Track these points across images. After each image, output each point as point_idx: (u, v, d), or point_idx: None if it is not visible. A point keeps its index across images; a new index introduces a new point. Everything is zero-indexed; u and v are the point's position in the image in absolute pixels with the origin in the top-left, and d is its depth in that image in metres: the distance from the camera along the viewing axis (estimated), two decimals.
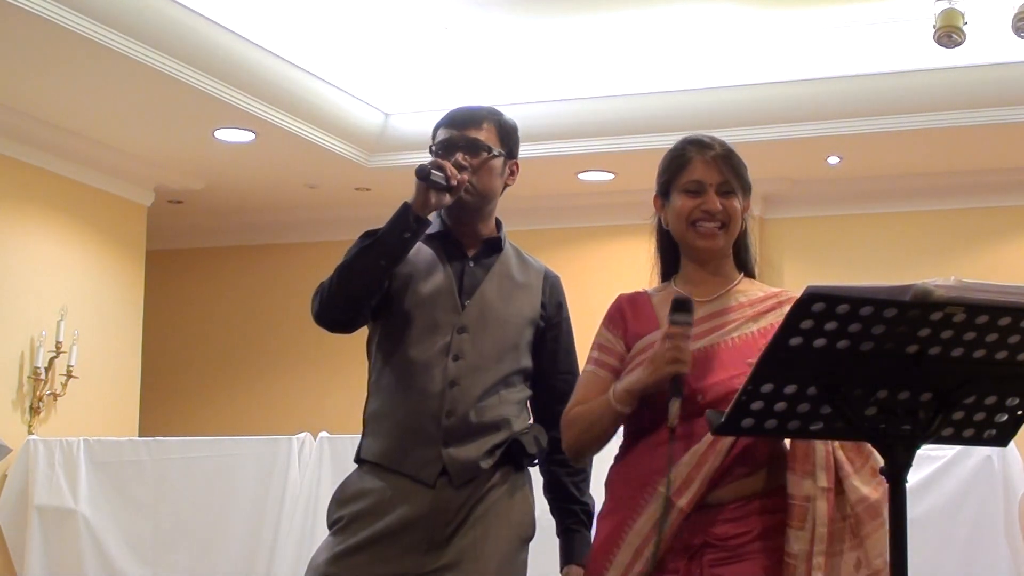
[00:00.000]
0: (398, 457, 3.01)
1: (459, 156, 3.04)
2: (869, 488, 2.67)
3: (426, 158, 3.16)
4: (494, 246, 3.17)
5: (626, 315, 2.88)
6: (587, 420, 2.79)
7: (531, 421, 3.17)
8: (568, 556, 3.14)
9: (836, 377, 2.19)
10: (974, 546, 5.24)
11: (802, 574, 2.63)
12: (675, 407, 2.63)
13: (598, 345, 2.88)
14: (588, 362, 2.89)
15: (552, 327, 3.20)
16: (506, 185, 3.18)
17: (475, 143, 3.08)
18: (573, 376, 3.20)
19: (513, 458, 3.07)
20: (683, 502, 2.67)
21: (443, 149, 3.09)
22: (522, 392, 3.13)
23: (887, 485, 2.58)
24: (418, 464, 2.99)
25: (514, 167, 3.18)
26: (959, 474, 5.29)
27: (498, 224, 3.21)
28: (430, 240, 3.12)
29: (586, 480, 3.20)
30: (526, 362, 3.14)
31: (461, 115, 3.14)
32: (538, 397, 3.19)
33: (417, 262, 3.09)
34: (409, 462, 3.00)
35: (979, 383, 2.24)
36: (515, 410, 3.09)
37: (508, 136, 3.16)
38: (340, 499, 3.08)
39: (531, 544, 3.14)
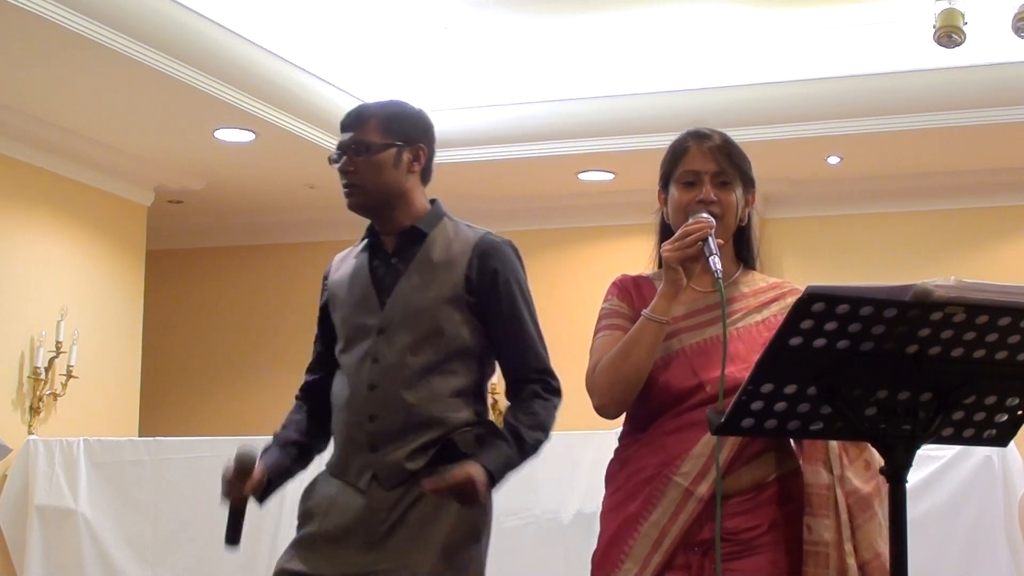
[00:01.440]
0: (342, 466, 3.07)
1: (344, 162, 3.06)
2: (860, 481, 2.70)
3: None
4: (415, 235, 3.05)
5: (631, 292, 2.86)
6: (621, 352, 2.71)
7: (480, 410, 3.01)
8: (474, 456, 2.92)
9: (836, 377, 2.18)
10: (974, 546, 5.24)
11: (835, 560, 2.65)
12: (716, 261, 2.65)
13: (607, 313, 2.84)
14: (598, 332, 2.83)
15: (489, 296, 2.98)
16: (412, 172, 3.06)
17: (348, 146, 3.06)
18: (521, 339, 3.01)
19: (451, 458, 2.90)
20: (702, 491, 2.67)
21: (336, 153, 3.10)
22: (463, 378, 2.98)
23: (880, 480, 2.60)
24: (356, 471, 3.02)
25: (418, 152, 3.07)
26: (959, 474, 5.28)
27: (433, 206, 3.09)
28: (361, 250, 3.12)
29: (534, 418, 2.95)
30: (459, 343, 2.97)
31: (345, 118, 3.11)
32: (502, 369, 3.06)
33: (343, 277, 3.09)
34: (349, 470, 3.04)
35: (979, 383, 2.24)
36: (452, 404, 2.96)
37: (397, 125, 3.06)
38: (301, 498, 3.22)
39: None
